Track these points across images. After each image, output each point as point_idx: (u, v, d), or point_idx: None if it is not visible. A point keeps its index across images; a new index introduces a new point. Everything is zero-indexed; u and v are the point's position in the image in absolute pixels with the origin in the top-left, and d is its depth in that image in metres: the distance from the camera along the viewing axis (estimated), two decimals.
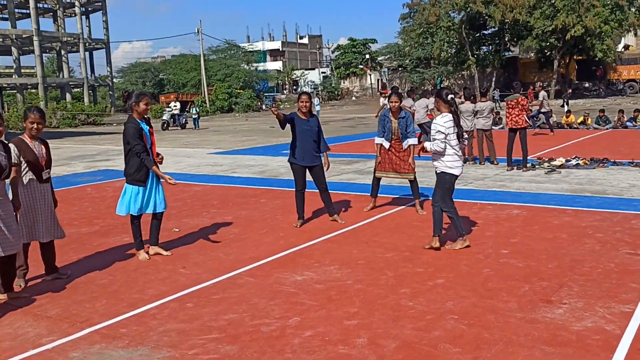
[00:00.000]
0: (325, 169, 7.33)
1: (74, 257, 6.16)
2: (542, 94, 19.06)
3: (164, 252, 6.06)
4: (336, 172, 11.60)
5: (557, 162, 11.37)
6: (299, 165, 7.22)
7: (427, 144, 6.00)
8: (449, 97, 5.96)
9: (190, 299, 4.75)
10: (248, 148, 17.89)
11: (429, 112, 14.92)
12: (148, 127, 5.88)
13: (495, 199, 8.34)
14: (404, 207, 8.10)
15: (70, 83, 55.18)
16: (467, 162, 12.12)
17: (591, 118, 20.78)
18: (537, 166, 11.28)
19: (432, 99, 12.64)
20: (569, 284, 4.78)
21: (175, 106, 32.03)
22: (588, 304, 4.33)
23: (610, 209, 7.48)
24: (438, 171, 5.98)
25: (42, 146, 5.22)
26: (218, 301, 4.67)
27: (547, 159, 11.86)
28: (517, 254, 5.65)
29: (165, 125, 30.26)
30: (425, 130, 13.81)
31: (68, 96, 51.97)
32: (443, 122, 5.83)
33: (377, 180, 7.97)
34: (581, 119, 20.88)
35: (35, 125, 5.09)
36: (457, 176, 5.94)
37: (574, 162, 11.39)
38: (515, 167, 11.16)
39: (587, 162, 11.34)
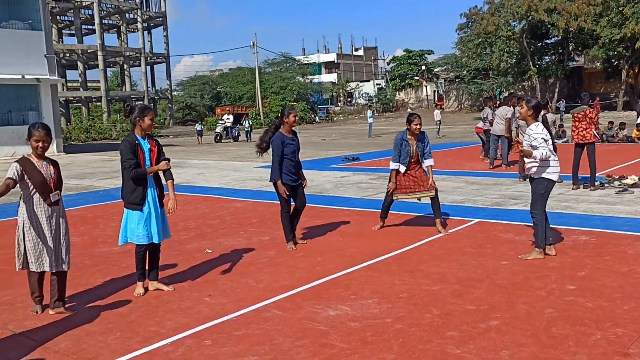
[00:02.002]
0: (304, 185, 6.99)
1: (99, 280, 5.84)
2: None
3: (165, 288, 5.32)
4: (384, 189, 10.96)
5: (629, 181, 10.34)
6: (290, 186, 6.69)
7: (535, 152, 5.79)
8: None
9: (210, 334, 4.28)
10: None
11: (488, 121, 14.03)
12: (149, 145, 5.20)
13: (559, 223, 7.52)
14: (455, 230, 7.41)
15: (132, 96, 56.78)
16: (526, 179, 11.24)
17: None
18: (606, 185, 10.30)
19: (550, 114, 11.75)
20: None
21: (228, 119, 32.20)
22: None
23: None
24: (535, 177, 5.94)
25: (51, 166, 4.78)
26: (239, 339, 4.17)
27: (617, 177, 10.83)
28: (585, 291, 4.90)
29: (217, 138, 30.43)
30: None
31: None
32: (540, 129, 5.89)
33: (390, 203, 7.43)
34: None
35: (40, 144, 4.64)
36: (554, 182, 6.00)
37: None
38: (581, 186, 10.22)
39: None
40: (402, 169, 7.24)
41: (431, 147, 7.50)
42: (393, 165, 7.30)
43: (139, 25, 55.67)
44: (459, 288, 5.13)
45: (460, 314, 4.50)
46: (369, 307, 4.74)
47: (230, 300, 5.01)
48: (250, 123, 32.75)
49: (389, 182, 7.45)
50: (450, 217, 8.13)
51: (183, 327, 4.44)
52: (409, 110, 61.68)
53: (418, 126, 7.13)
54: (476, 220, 7.95)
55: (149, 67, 59.14)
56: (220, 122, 32.82)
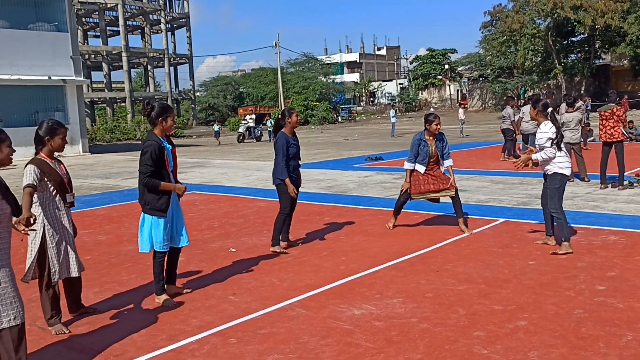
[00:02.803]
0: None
1: (125, 277, 5.91)
2: (579, 104, 16.98)
3: (184, 291, 5.23)
4: None
5: None
6: (294, 187, 6.61)
7: (535, 156, 6.07)
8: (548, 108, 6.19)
9: (235, 332, 4.28)
10: (319, 162, 17.48)
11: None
12: (170, 146, 5.03)
13: (587, 222, 7.38)
14: (480, 229, 7.32)
15: (156, 97, 57.36)
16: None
17: None
18: (635, 184, 10.08)
19: (576, 113, 11.53)
20: None
21: (251, 118, 32.34)
22: None
23: None
24: (549, 173, 6.12)
25: (61, 165, 4.60)
26: (264, 337, 4.17)
27: None
28: (616, 292, 4.79)
29: (240, 138, 30.58)
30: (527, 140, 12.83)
31: None
32: (548, 128, 6.08)
33: (404, 202, 7.38)
34: None
35: (62, 142, 4.48)
36: (568, 177, 6.15)
37: None
38: (609, 185, 10.02)
39: None
40: (422, 169, 7.18)
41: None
42: (408, 165, 7.27)
43: (162, 26, 56.25)
44: (486, 288, 5.06)
45: (487, 314, 4.44)
46: (394, 306, 4.70)
47: (255, 299, 5.01)
48: (273, 123, 32.86)
49: (404, 182, 7.39)
50: (475, 217, 8.04)
51: (208, 325, 4.45)
52: (431, 109, 61.29)
53: (438, 126, 7.08)
54: (502, 219, 7.85)
55: (172, 68, 59.70)
56: (243, 122, 33.00)
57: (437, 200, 7.45)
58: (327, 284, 5.34)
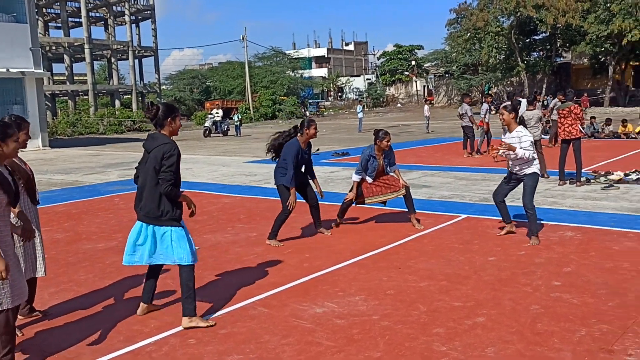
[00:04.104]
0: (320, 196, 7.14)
1: (83, 277, 5.77)
2: (554, 101, 17.44)
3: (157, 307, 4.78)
4: None
5: (614, 177, 10.40)
6: (295, 199, 6.76)
7: (520, 151, 6.25)
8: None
9: (195, 333, 4.23)
10: None
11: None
12: None
13: (546, 218, 7.54)
14: (443, 225, 7.42)
15: (120, 90, 56.28)
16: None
17: None
18: (592, 180, 10.35)
19: (536, 110, 11.67)
20: (634, 328, 4.04)
21: (217, 113, 31.99)
22: None
23: None
24: (528, 172, 6.39)
25: (24, 164, 4.40)
26: (224, 337, 4.14)
27: (603, 173, 10.89)
28: (571, 288, 4.91)
29: (207, 132, 30.22)
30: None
31: (117, 103, 53.07)
32: (527, 132, 6.46)
33: (349, 204, 7.50)
34: (639, 128, 19.56)
35: (26, 138, 4.21)
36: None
37: (633, 176, 10.39)
38: (568, 182, 10.27)
39: None
40: (370, 180, 7.38)
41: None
42: (355, 178, 7.42)
43: (126, 18, 55.14)
44: (446, 284, 5.12)
45: (447, 311, 4.49)
46: (356, 304, 4.72)
47: (216, 298, 4.96)
48: (240, 117, 32.54)
49: (349, 191, 7.51)
50: (439, 213, 8.13)
51: (167, 325, 4.39)
52: (399, 105, 61.71)
53: (389, 143, 7.23)
54: (464, 215, 7.96)
55: (137, 61, 58.62)
56: (209, 116, 32.59)
57: (384, 202, 7.60)
58: (290, 282, 5.32)
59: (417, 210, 7.52)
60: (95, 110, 46.32)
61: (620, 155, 14.37)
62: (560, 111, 10.43)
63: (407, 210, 7.43)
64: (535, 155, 6.41)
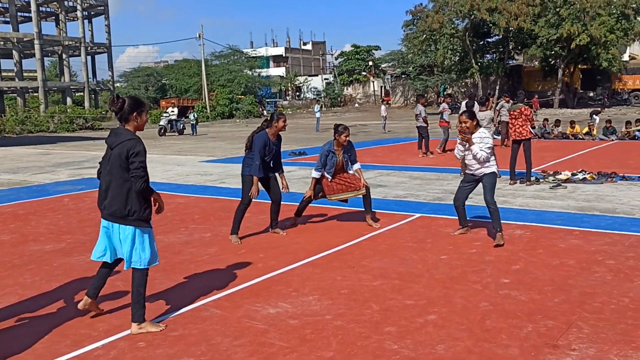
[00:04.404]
0: (284, 190, 7.18)
1: (29, 280, 5.58)
2: (500, 103, 17.85)
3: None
4: None
5: (562, 176, 10.75)
6: (258, 189, 6.83)
7: (476, 149, 6.39)
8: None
9: (144, 336, 4.14)
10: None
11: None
12: None
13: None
14: (398, 224, 7.50)
15: (72, 87, 54.83)
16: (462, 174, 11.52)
17: (597, 128, 20.17)
18: (541, 180, 10.67)
19: (488, 112, 11.84)
20: (578, 323, 4.17)
21: (172, 112, 31.52)
22: (601, 351, 3.71)
23: (622, 230, 6.86)
24: (488, 172, 6.49)
25: None
26: (175, 340, 4.07)
27: (552, 173, 11.24)
28: (519, 285, 5.04)
29: (162, 131, 29.74)
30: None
31: (69, 100, 51.63)
32: (488, 133, 6.63)
33: (307, 201, 7.55)
34: (586, 129, 20.27)
35: None
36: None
37: (580, 176, 10.77)
38: (518, 181, 10.55)
39: (594, 176, 10.72)
40: (329, 177, 7.39)
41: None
42: (315, 174, 7.43)
43: (78, 13, 53.75)
44: (399, 283, 5.18)
45: (399, 309, 4.54)
46: (310, 304, 4.72)
47: (167, 300, 4.88)
48: (196, 116, 32.15)
49: (308, 189, 7.55)
50: (393, 212, 8.22)
51: (116, 329, 4.29)
52: (356, 105, 62.12)
53: (347, 138, 7.25)
54: (418, 215, 8.07)
55: (89, 58, 57.21)
56: (164, 115, 32.08)
57: (346, 200, 7.61)
58: (243, 283, 5.28)
59: (374, 210, 7.59)
60: (45, 107, 44.98)
61: (569, 155, 14.85)
62: (512, 112, 10.71)
63: (363, 209, 7.48)
64: (492, 157, 6.53)
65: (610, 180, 10.47)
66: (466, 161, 6.71)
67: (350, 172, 7.47)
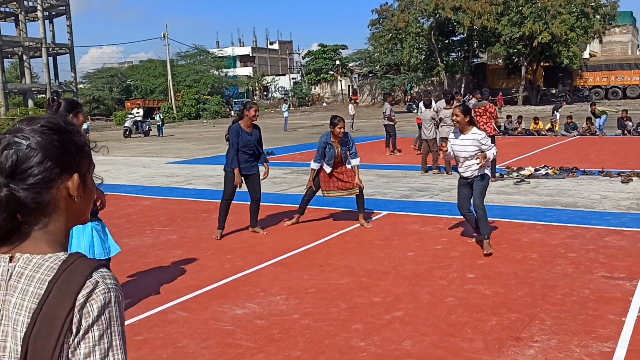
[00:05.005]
0: (263, 177, 7.16)
1: None
2: (472, 102, 17.88)
3: None
4: (298, 184, 11.00)
5: (526, 172, 10.97)
6: (233, 176, 6.84)
7: (490, 154, 6.02)
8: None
9: None
10: (210, 157, 17.15)
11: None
12: None
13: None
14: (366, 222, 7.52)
15: (33, 89, 53.48)
16: (430, 172, 11.67)
17: (559, 124, 20.65)
18: (505, 176, 10.86)
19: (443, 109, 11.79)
20: (540, 315, 4.26)
21: (138, 113, 31.05)
22: (562, 342, 3.80)
23: (582, 223, 7.04)
24: (479, 174, 6.06)
25: None
26: (140, 343, 4.01)
27: (515, 168, 11.46)
28: (484, 279, 5.12)
29: (127, 133, 29.25)
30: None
31: (30, 102, 50.38)
32: (481, 132, 6.18)
33: (309, 198, 7.50)
34: (549, 125, 20.72)
35: None
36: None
37: (542, 171, 11.00)
38: None
39: (556, 171, 10.97)
40: (328, 169, 7.28)
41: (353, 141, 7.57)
42: (314, 165, 7.33)
43: (39, 13, 52.46)
44: (366, 281, 5.21)
45: (366, 307, 4.57)
46: (277, 303, 4.71)
47: (133, 303, 4.80)
48: (162, 117, 31.72)
49: (308, 180, 7.49)
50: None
51: None
52: (324, 104, 62.21)
53: (342, 129, 7.15)
54: (385, 212, 8.13)
55: (51, 59, 55.90)
56: (129, 116, 31.56)
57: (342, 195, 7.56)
58: (210, 284, 5.24)
59: (339, 208, 7.60)
60: (6, 110, 43.79)
61: (532, 151, 15.16)
62: (476, 109, 10.86)
63: (336, 209, 7.49)
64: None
65: (571, 175, 10.73)
66: (461, 167, 6.17)
67: (349, 166, 7.37)
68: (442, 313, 4.38)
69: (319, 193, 7.50)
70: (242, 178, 6.92)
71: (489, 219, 6.12)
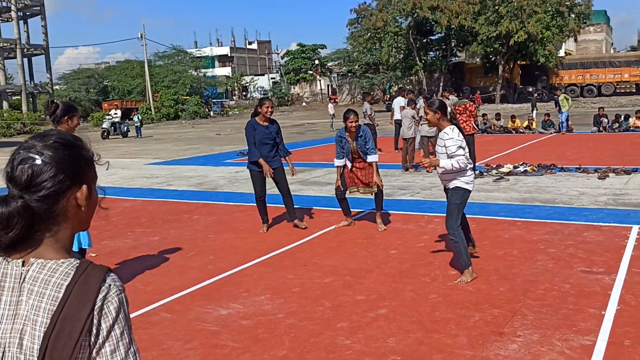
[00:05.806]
0: (291, 174, 7.24)
1: None
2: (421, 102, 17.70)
3: None
4: None
5: (505, 169, 11.10)
6: (257, 172, 6.96)
7: (444, 163, 4.97)
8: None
9: None
10: (189, 158, 17.05)
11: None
12: None
13: (443, 211, 7.77)
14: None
15: (8, 90, 52.57)
16: (408, 170, 11.75)
17: (536, 122, 20.93)
18: (485, 174, 10.99)
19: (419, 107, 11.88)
20: (522, 310, 4.32)
21: (115, 114, 30.71)
22: (544, 336, 3.86)
23: (561, 219, 7.15)
24: (450, 186, 5.15)
25: None
26: None
27: (495, 166, 11.60)
28: None
29: (105, 134, 28.93)
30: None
31: (5, 104, 49.52)
32: (456, 134, 5.04)
33: (341, 196, 7.25)
34: (526, 123, 20.98)
35: None
36: (470, 192, 5.23)
37: (521, 168, 11.15)
38: None
39: (534, 168, 11.13)
40: (349, 164, 7.12)
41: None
42: (337, 162, 7.15)
43: (13, 14, 51.56)
44: (350, 279, 5.23)
45: (351, 305, 4.59)
46: (262, 303, 4.70)
47: None
48: (141, 118, 31.41)
49: (336, 180, 7.29)
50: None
51: None
52: (304, 104, 62.20)
53: (353, 123, 6.88)
54: (367, 210, 8.16)
55: (26, 60, 54.99)
56: (107, 117, 31.22)
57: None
58: (194, 285, 5.21)
59: (321, 208, 7.61)
60: None
61: (510, 149, 15.34)
62: (457, 107, 10.97)
63: (318, 207, 7.50)
64: (470, 164, 5.10)
65: (549, 171, 10.88)
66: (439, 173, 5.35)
67: (367, 162, 7.07)
68: (426, 310, 4.42)
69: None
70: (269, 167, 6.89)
71: (470, 216, 6.09)
